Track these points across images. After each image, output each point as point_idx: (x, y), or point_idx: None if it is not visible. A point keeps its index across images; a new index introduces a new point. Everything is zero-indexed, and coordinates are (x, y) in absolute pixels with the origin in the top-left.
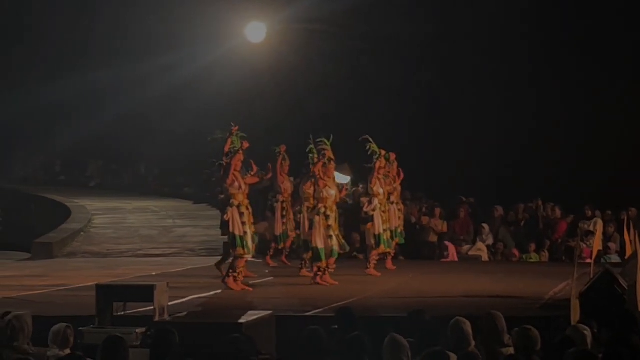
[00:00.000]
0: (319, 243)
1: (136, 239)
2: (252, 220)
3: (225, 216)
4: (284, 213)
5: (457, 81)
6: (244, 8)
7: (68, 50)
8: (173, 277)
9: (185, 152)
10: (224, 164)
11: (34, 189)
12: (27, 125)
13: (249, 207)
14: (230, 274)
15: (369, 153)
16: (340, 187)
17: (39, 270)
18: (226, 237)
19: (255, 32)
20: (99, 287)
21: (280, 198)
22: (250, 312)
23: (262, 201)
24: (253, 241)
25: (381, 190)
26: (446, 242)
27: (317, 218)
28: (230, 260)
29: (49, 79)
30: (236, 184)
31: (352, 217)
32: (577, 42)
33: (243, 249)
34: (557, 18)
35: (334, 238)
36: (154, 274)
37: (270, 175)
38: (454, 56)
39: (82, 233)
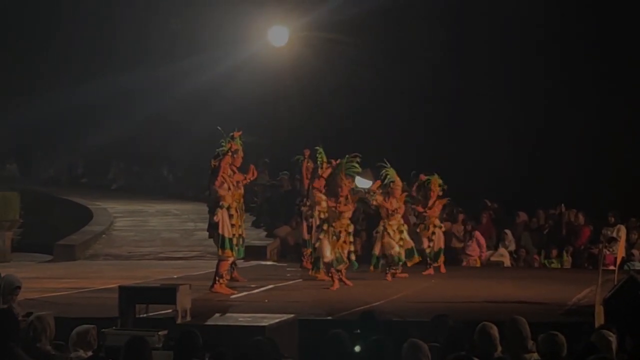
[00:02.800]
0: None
1: (157, 241)
2: (240, 223)
3: (215, 217)
4: None
5: (477, 85)
6: (266, 12)
7: (94, 54)
8: (194, 280)
9: (209, 155)
10: (213, 166)
11: (57, 191)
12: (54, 129)
13: (238, 210)
14: (217, 281)
15: (384, 178)
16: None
17: (61, 272)
18: (212, 238)
19: (278, 36)
20: (122, 289)
21: (307, 202)
22: (273, 315)
23: (284, 205)
24: (241, 244)
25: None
26: (475, 233)
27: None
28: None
29: (75, 83)
30: (225, 185)
31: (373, 222)
32: (597, 43)
33: (231, 251)
34: (575, 22)
35: None
36: (175, 276)
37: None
38: (471, 59)
39: (104, 235)
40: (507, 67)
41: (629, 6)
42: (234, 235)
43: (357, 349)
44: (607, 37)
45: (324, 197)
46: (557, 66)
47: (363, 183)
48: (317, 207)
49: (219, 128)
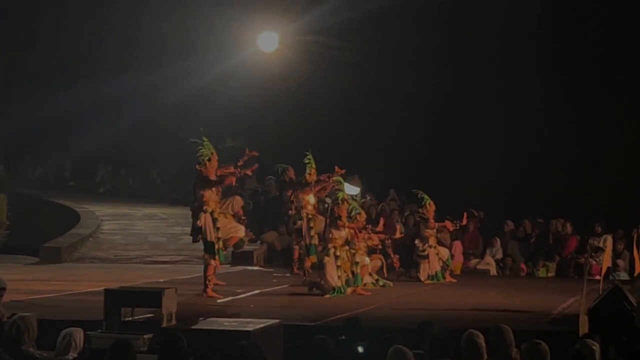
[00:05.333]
0: None
1: (144, 245)
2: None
3: (198, 222)
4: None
5: (468, 91)
6: (256, 18)
7: (82, 59)
8: (180, 284)
9: (197, 160)
10: (199, 171)
11: (44, 193)
12: (42, 133)
13: (226, 215)
14: (207, 285)
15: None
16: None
17: (47, 274)
18: (196, 243)
19: (268, 42)
20: (108, 292)
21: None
22: (258, 320)
23: (272, 211)
24: (224, 249)
25: None
26: (455, 243)
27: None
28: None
29: (63, 88)
30: (209, 190)
31: None
32: (588, 56)
33: (216, 256)
34: (570, 31)
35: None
36: (161, 280)
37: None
38: (465, 66)
39: (90, 238)
40: (500, 74)
41: (627, 14)
42: (218, 239)
43: (360, 349)
44: (599, 47)
45: (310, 199)
46: (547, 73)
47: (351, 190)
48: (304, 210)
49: (202, 129)
